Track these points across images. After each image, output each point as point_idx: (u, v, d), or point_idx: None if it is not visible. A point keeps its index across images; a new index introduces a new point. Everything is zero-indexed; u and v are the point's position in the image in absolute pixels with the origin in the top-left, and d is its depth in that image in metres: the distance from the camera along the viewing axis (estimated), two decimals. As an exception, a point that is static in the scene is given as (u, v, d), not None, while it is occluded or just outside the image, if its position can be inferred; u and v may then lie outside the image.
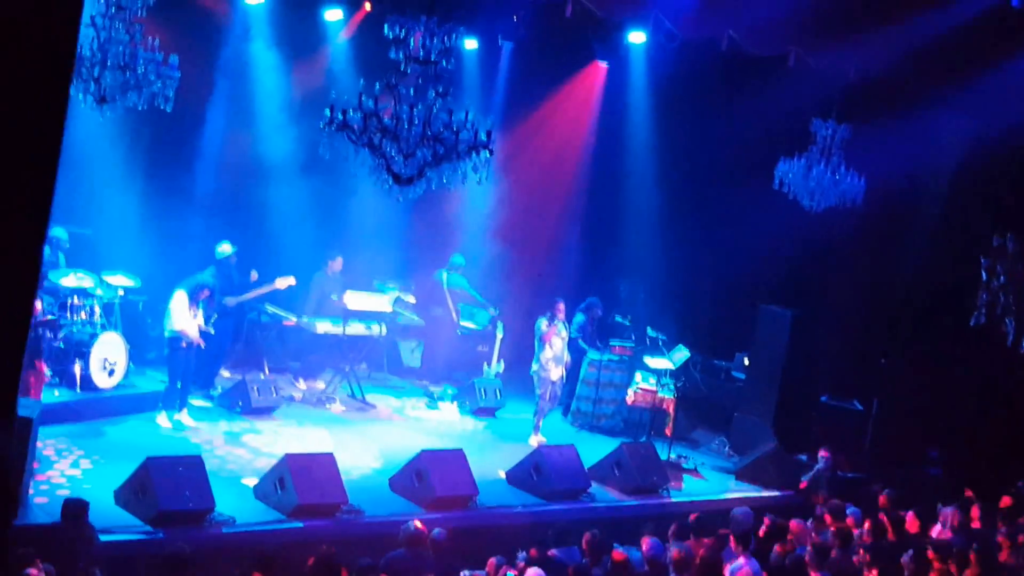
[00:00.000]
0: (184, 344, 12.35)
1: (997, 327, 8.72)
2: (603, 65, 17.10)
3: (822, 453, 13.75)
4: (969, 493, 12.11)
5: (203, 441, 12.13)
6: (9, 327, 3.50)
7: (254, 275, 14.16)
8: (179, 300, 12.32)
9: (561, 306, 14.05)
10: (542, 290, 16.24)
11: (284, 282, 14.19)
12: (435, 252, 16.66)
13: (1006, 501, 11.86)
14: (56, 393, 11.99)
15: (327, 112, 9.80)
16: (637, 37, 15.15)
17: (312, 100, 14.05)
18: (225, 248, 13.75)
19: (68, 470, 10.59)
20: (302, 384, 14.78)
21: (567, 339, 14.14)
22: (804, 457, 14.39)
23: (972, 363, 14.23)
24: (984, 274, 8.81)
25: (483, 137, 10.14)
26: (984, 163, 15.15)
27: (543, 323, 13.93)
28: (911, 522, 11.14)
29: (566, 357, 14.09)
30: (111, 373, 12.48)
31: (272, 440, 12.54)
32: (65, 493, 9.72)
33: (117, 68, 10.49)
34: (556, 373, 13.92)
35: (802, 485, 13.64)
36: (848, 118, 13.97)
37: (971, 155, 15.38)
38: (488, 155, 10.26)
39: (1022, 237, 8.83)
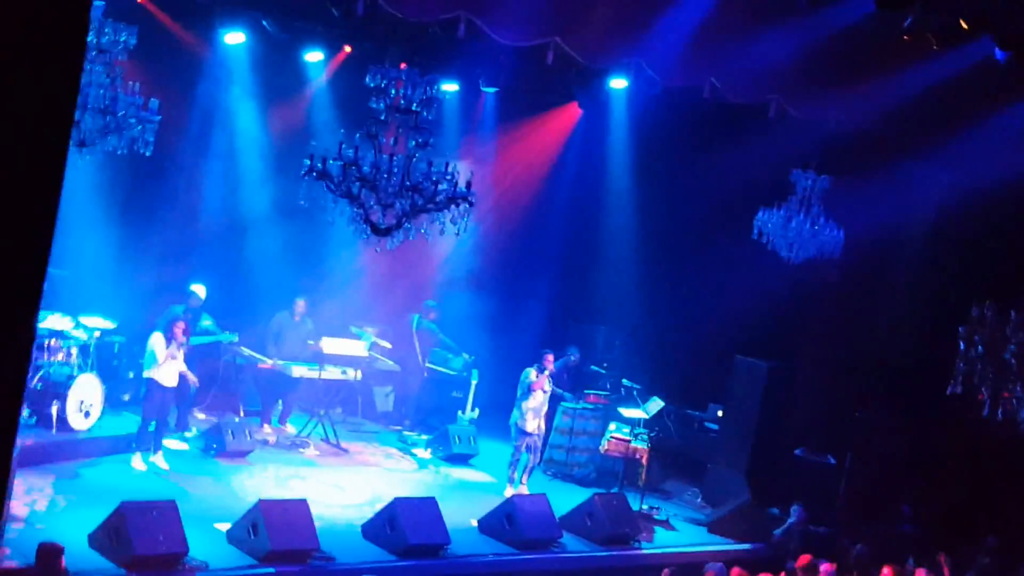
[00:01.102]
0: (161, 387, 12.32)
1: (973, 395, 8.74)
2: (577, 108, 17.12)
3: (795, 507, 13.74)
4: (941, 557, 12.09)
5: (177, 484, 12.07)
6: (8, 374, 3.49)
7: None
8: (157, 342, 12.31)
9: (550, 358, 13.97)
10: (518, 337, 16.22)
11: (227, 337, 14.23)
12: (410, 297, 16.63)
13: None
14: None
15: (307, 161, 9.82)
16: (618, 83, 15.23)
17: (291, 144, 14.10)
18: (198, 289, 13.74)
19: (43, 512, 10.51)
20: (271, 428, 14.69)
21: (549, 392, 14.04)
22: (777, 510, 14.36)
23: (946, 423, 14.25)
24: (962, 344, 8.84)
25: (463, 188, 10.18)
26: (962, 218, 15.25)
27: (532, 373, 13.79)
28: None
29: (545, 410, 13.99)
30: (87, 415, 12.42)
31: (246, 485, 12.47)
32: (40, 535, 9.61)
33: (97, 111, 10.48)
34: (532, 425, 13.79)
35: (774, 539, 13.61)
36: (828, 169, 14.04)
37: (949, 209, 15.48)
38: (468, 206, 10.29)
39: (1000, 305, 8.87)
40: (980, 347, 8.66)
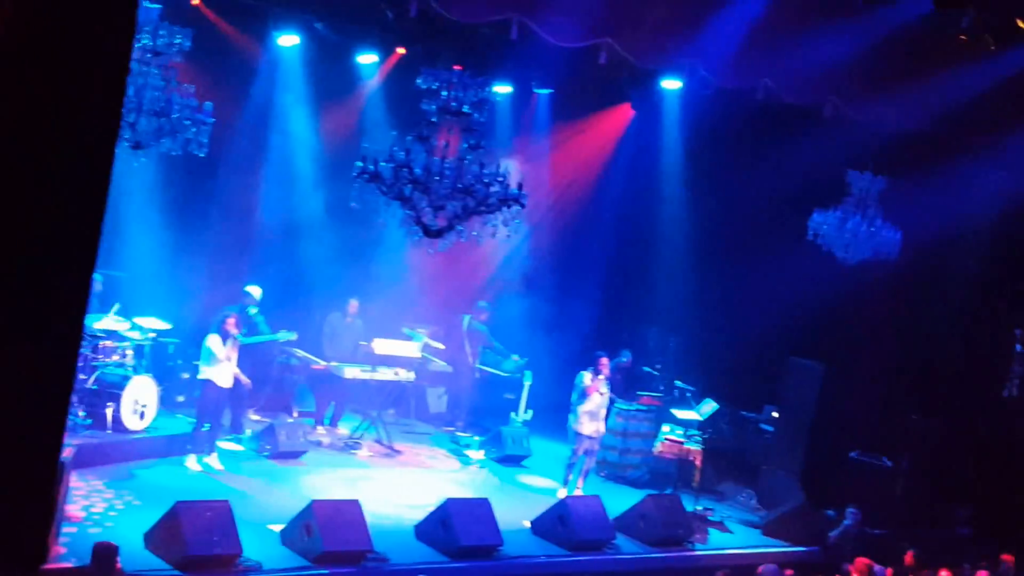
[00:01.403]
0: (217, 387, 12.43)
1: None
2: (630, 109, 17.04)
3: (850, 509, 13.60)
4: (1008, 557, 11.90)
5: (231, 485, 12.16)
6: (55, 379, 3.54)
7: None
8: (214, 343, 12.42)
9: (605, 361, 13.83)
10: (570, 339, 16.18)
11: (285, 335, 14.23)
12: (462, 299, 16.63)
13: None
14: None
15: (358, 163, 9.85)
16: (671, 84, 15.15)
17: (344, 146, 14.16)
18: (254, 290, 13.85)
19: (98, 512, 10.62)
20: (324, 429, 14.76)
21: (607, 395, 13.92)
22: (832, 513, 14.23)
23: (1003, 425, 14.05)
24: (1018, 346, 8.71)
25: (514, 190, 10.16)
26: (1021, 220, 15.01)
27: (587, 376, 13.70)
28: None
29: (603, 413, 13.88)
30: (142, 416, 12.57)
31: (299, 485, 12.55)
32: (95, 536, 9.73)
33: (152, 114, 10.59)
34: (590, 428, 13.68)
35: (830, 541, 13.49)
36: (885, 170, 13.89)
37: (1009, 212, 15.26)
38: (520, 208, 10.28)
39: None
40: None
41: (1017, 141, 14.02)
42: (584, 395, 13.64)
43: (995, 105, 13.32)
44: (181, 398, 13.95)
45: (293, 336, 14.39)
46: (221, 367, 12.45)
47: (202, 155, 11.10)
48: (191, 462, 12.45)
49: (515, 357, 16.08)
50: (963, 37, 12.22)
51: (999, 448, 14.88)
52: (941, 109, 13.52)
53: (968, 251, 16.01)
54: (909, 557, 11.55)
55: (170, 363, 14.00)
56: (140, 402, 12.51)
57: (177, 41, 10.72)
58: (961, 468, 14.98)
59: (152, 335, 13.32)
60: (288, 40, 14.28)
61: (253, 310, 14.04)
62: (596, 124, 17.41)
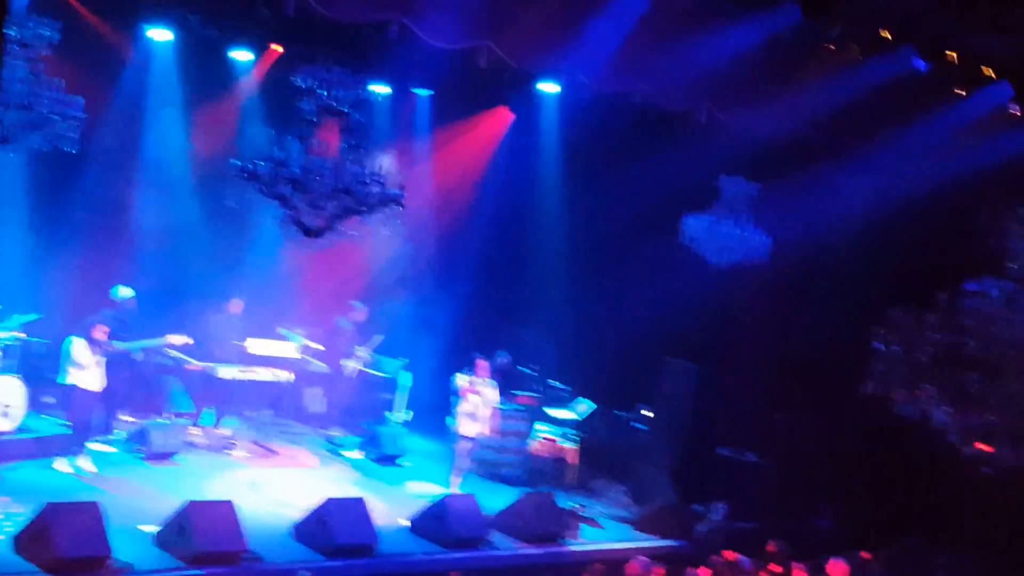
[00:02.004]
0: (85, 391, 12.18)
1: (888, 395, 9.02)
2: (510, 112, 17.17)
3: (718, 504, 13.96)
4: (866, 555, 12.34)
5: (102, 487, 11.91)
6: None
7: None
8: (78, 348, 12.14)
9: (481, 363, 13.89)
10: (449, 339, 16.26)
11: (178, 339, 13.86)
12: (341, 299, 16.44)
13: None
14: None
15: (236, 162, 9.79)
16: (550, 88, 15.34)
17: (221, 144, 13.98)
18: (124, 292, 13.51)
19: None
20: (199, 430, 14.55)
21: (489, 396, 13.92)
22: (701, 508, 14.57)
23: (863, 421, 14.56)
24: (879, 345, 9.11)
25: (394, 191, 10.21)
26: (883, 225, 15.59)
27: (462, 379, 13.76)
28: (799, 574, 11.39)
29: (484, 413, 13.87)
30: (5, 415, 12.21)
31: (173, 487, 12.34)
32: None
33: (19, 107, 10.31)
34: (471, 429, 13.71)
35: (698, 535, 13.81)
36: (756, 176, 14.26)
37: (872, 216, 15.82)
38: (399, 208, 10.33)
39: (915, 308, 9.16)
40: (896, 348, 8.92)
41: (881, 147, 14.56)
42: (459, 396, 13.72)
43: (861, 113, 13.81)
44: (51, 399, 13.61)
45: (189, 340, 13.99)
46: (88, 372, 12.18)
47: (72, 151, 10.85)
48: (61, 464, 12.17)
49: (364, 352, 15.90)
50: (831, 47, 12.65)
51: (860, 443, 15.43)
52: (810, 116, 13.97)
53: (833, 254, 16.55)
54: (771, 547, 11.94)
55: (40, 364, 13.62)
56: (6, 403, 12.19)
57: (46, 34, 10.49)
58: (824, 463, 15.49)
59: (21, 335, 12.95)
60: (160, 35, 14.04)
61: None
62: (476, 127, 17.52)
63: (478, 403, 13.77)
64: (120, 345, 13.03)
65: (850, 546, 12.62)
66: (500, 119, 17.45)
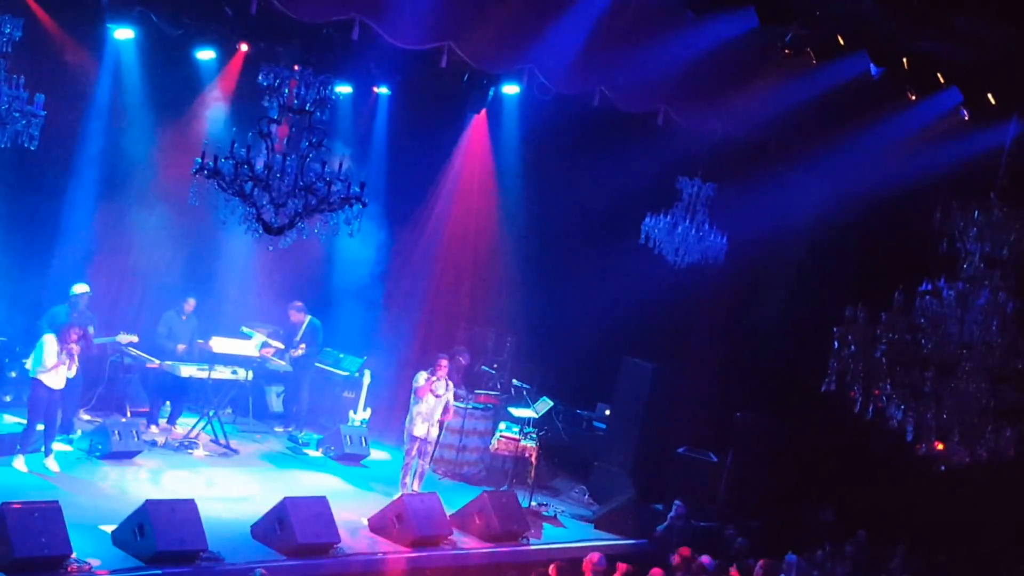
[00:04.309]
0: (48, 388, 12.11)
1: (846, 393, 9.17)
2: (471, 112, 17.22)
3: (676, 502, 14.11)
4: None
5: (62, 486, 11.85)
6: None
7: (91, 330, 13.28)
8: (49, 347, 12.08)
9: (443, 363, 13.86)
10: (411, 339, 16.30)
11: (126, 338, 13.96)
12: (302, 298, 16.45)
13: None
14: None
15: (198, 160, 9.79)
16: (511, 89, 15.44)
17: (183, 142, 13.95)
18: (80, 288, 13.47)
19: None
20: (159, 429, 14.52)
21: (445, 397, 13.90)
22: (660, 506, 14.71)
23: (821, 420, 14.76)
24: (836, 343, 9.27)
25: (356, 189, 10.25)
26: (838, 225, 15.83)
27: (421, 377, 13.72)
28: (760, 571, 11.55)
29: (438, 415, 13.86)
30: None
31: (133, 486, 12.33)
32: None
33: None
34: (422, 429, 13.67)
35: (657, 533, 13.96)
36: (713, 177, 14.41)
37: (826, 216, 16.05)
38: (361, 207, 10.37)
39: (871, 306, 9.32)
40: (853, 346, 9.07)
41: (835, 151, 14.78)
42: (417, 395, 13.72)
43: (816, 116, 14.01)
44: (8, 398, 13.53)
45: (134, 338, 14.10)
46: (53, 370, 12.12)
47: (33, 148, 10.85)
48: (19, 463, 12.10)
49: (292, 349, 15.86)
50: (787, 51, 12.82)
51: (820, 441, 15.64)
52: (765, 119, 14.14)
53: (789, 253, 16.77)
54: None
55: (-3, 361, 13.57)
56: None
57: (7, 31, 10.47)
58: (784, 462, 15.69)
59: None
60: (123, 33, 14.00)
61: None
62: (437, 126, 17.57)
63: (434, 403, 13.75)
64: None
65: (810, 543, 12.83)
66: (462, 119, 17.51)
